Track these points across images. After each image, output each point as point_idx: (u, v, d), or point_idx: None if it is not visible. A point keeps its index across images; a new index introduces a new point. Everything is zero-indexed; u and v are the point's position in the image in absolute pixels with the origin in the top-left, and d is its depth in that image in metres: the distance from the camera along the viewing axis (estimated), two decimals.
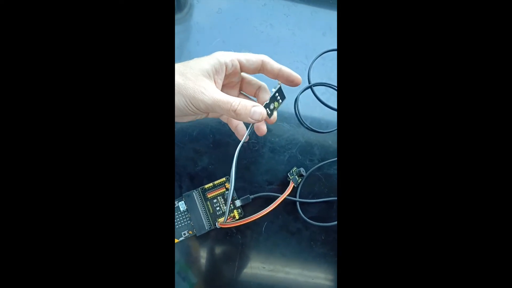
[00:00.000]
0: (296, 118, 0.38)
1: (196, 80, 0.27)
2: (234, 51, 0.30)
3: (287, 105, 0.39)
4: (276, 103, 0.30)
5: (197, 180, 0.37)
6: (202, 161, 0.37)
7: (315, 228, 0.37)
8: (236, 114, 0.27)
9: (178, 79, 0.26)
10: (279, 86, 0.29)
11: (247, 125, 0.35)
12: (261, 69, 0.30)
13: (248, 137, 0.31)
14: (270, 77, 0.31)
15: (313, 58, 0.39)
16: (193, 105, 0.27)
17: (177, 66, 0.28)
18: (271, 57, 0.40)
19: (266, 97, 0.32)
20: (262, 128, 0.33)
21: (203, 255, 0.37)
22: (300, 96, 0.38)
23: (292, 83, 0.31)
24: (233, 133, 0.35)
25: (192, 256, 0.36)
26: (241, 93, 0.34)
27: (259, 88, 0.33)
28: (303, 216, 0.36)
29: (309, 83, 0.39)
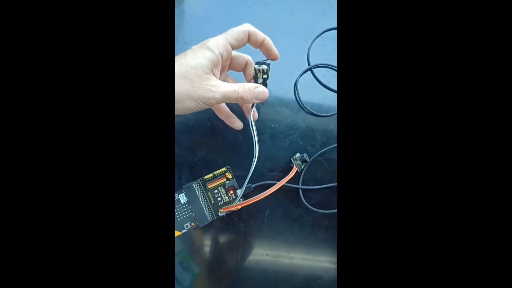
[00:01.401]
0: (296, 103, 0.37)
1: (202, 80, 0.27)
2: None
3: (286, 90, 0.37)
4: (263, 75, 0.31)
5: (196, 170, 0.36)
6: (201, 151, 0.37)
7: (317, 214, 0.36)
8: (242, 99, 0.28)
9: (185, 83, 0.27)
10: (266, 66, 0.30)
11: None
12: (247, 41, 0.30)
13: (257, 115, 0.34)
14: (254, 47, 0.31)
15: (312, 38, 0.38)
16: (204, 103, 0.28)
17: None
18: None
19: (253, 71, 0.32)
20: (254, 114, 0.33)
21: (206, 245, 0.36)
22: (300, 79, 0.36)
23: (270, 56, 0.31)
24: None
25: (194, 246, 0.36)
26: (227, 75, 0.34)
27: (246, 63, 0.33)
28: (305, 203, 0.36)
29: (309, 65, 0.37)
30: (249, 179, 0.31)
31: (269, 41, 0.30)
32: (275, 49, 0.31)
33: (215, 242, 0.37)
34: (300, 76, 0.36)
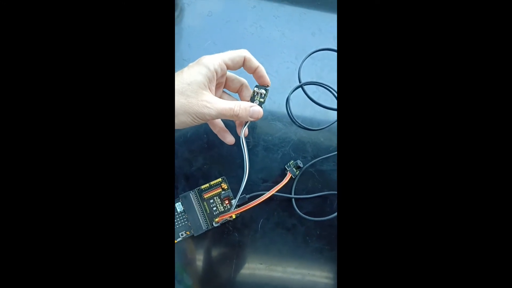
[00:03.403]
0: (288, 117, 0.39)
1: (197, 96, 0.28)
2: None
3: (279, 105, 0.39)
4: (260, 98, 0.32)
5: (192, 181, 0.37)
6: (197, 161, 0.38)
7: (310, 223, 0.38)
8: (237, 117, 0.30)
9: (180, 98, 0.28)
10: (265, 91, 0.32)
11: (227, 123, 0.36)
12: (242, 65, 0.32)
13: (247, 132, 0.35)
14: (248, 72, 0.32)
15: (303, 58, 0.40)
16: (199, 118, 0.29)
17: None
18: (262, 58, 0.40)
19: (248, 94, 0.34)
20: (245, 131, 0.34)
21: (199, 256, 0.37)
22: (291, 95, 0.39)
23: (262, 83, 0.33)
24: None
25: (188, 257, 0.37)
26: (223, 92, 0.35)
27: (242, 85, 0.34)
28: (299, 212, 0.37)
29: (300, 82, 0.39)
30: (244, 189, 0.33)
31: (262, 69, 0.32)
32: (267, 77, 0.33)
33: (209, 252, 0.37)
34: (292, 93, 0.39)
